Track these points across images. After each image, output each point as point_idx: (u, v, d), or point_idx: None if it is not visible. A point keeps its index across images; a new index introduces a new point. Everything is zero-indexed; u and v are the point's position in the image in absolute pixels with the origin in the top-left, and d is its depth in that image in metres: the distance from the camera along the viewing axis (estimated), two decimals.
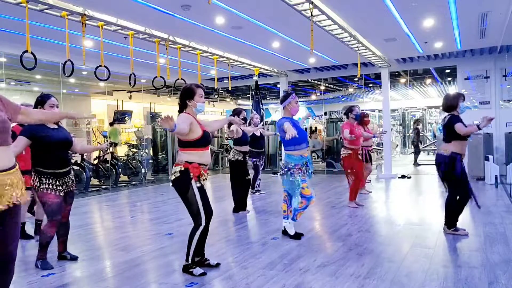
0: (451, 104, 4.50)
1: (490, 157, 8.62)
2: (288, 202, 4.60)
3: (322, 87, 15.96)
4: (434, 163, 4.64)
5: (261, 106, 11.84)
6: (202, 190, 3.40)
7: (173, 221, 5.67)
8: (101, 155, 10.68)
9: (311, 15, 5.87)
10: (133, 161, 10.84)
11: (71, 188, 3.82)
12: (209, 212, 3.49)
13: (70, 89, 12.98)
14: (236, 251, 4.19)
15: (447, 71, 13.00)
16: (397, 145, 17.39)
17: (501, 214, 5.61)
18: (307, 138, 4.65)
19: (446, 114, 4.56)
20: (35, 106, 3.70)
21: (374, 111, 18.36)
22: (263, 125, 8.85)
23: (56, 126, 3.76)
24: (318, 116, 20.20)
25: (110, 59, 8.28)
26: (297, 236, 4.56)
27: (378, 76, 12.12)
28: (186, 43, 7.81)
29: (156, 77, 7.16)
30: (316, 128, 15.42)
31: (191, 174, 3.31)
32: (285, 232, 4.66)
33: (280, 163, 12.85)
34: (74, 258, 3.99)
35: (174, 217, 5.95)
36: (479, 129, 4.26)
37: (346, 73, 11.92)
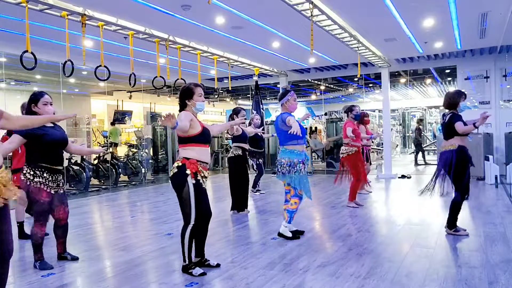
0: (453, 102, 4.48)
1: (490, 157, 8.62)
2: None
3: (322, 87, 15.97)
4: (437, 162, 4.61)
5: (261, 106, 11.84)
6: (200, 189, 3.36)
7: (173, 221, 5.67)
8: (101, 155, 10.68)
9: (311, 15, 5.87)
10: (133, 161, 10.84)
11: (62, 189, 3.79)
12: (207, 214, 3.48)
13: (70, 89, 12.98)
14: (236, 251, 4.18)
15: (447, 71, 13.01)
16: (397, 145, 17.39)
17: (501, 214, 5.61)
18: (305, 134, 4.64)
19: (447, 111, 4.55)
20: (29, 105, 3.65)
21: (374, 111, 18.37)
22: (263, 128, 8.85)
23: (52, 124, 3.73)
24: (318, 116, 20.20)
25: (110, 59, 8.27)
26: (295, 236, 4.55)
27: (378, 76, 12.13)
28: (186, 43, 7.81)
29: (156, 77, 7.16)
30: (316, 128, 15.41)
31: (188, 170, 3.30)
32: (281, 235, 4.59)
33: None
34: (74, 259, 3.98)
35: (174, 217, 5.95)
36: (476, 127, 4.24)
37: (346, 73, 11.92)
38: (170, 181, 3.43)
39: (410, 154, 17.48)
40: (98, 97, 14.84)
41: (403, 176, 10.23)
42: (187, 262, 3.45)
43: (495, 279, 3.22)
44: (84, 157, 9.53)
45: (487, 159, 8.70)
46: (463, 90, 4.76)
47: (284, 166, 4.43)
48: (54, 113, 3.76)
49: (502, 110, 10.15)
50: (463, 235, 4.47)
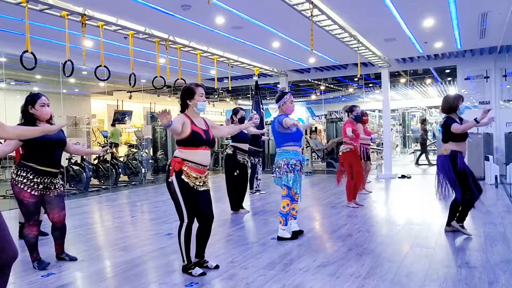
0: (452, 106, 4.46)
1: (490, 157, 8.62)
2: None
3: (322, 87, 15.97)
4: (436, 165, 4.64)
5: (261, 106, 11.84)
6: (188, 189, 3.34)
7: (173, 221, 5.66)
8: (101, 155, 10.68)
9: (311, 15, 5.87)
10: (133, 161, 10.84)
11: (55, 192, 3.75)
12: (208, 216, 3.48)
13: (70, 89, 12.98)
14: (236, 251, 4.18)
15: (447, 71, 13.00)
16: (397, 145, 17.39)
17: (501, 214, 5.61)
18: (301, 138, 4.63)
19: (444, 116, 4.56)
20: (25, 106, 3.62)
21: (374, 111, 18.37)
22: (264, 130, 8.87)
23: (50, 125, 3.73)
24: (318, 116, 20.21)
25: (110, 59, 8.27)
26: (294, 237, 4.54)
27: (378, 76, 12.12)
28: (186, 43, 7.81)
29: (156, 77, 7.16)
30: (316, 128, 15.41)
31: (171, 167, 3.36)
32: (280, 238, 4.55)
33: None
34: (73, 259, 3.97)
35: (174, 217, 5.90)
36: (477, 122, 4.23)
37: (346, 73, 11.92)
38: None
39: (410, 154, 17.48)
40: (98, 97, 14.84)
41: (403, 176, 10.23)
42: (185, 262, 3.45)
43: (495, 279, 3.22)
44: (84, 157, 9.53)
45: (487, 159, 8.70)
46: (462, 91, 4.76)
47: (281, 167, 4.44)
48: (51, 115, 3.76)
49: (502, 110, 10.15)
50: (467, 234, 4.45)
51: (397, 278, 3.28)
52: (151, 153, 12.75)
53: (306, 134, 13.47)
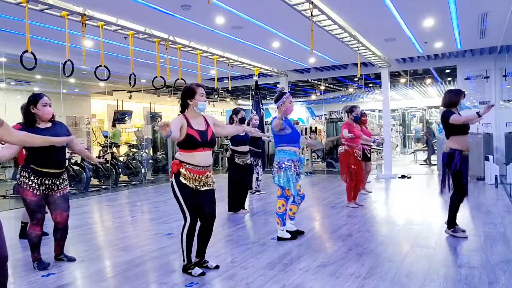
0: (454, 101, 4.43)
1: (490, 157, 8.62)
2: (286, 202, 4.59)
3: (322, 87, 15.96)
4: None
5: (261, 106, 11.83)
6: (188, 189, 3.36)
7: (173, 221, 5.67)
8: (101, 155, 10.68)
9: (311, 15, 5.87)
10: (133, 161, 10.84)
11: (60, 193, 3.76)
12: (208, 216, 3.48)
13: (70, 89, 12.98)
14: (236, 251, 4.18)
15: (447, 71, 13.00)
16: (397, 145, 17.39)
17: (501, 214, 5.61)
18: (300, 140, 4.62)
19: (441, 108, 4.55)
20: (27, 106, 3.65)
21: (374, 111, 18.37)
22: (263, 128, 8.86)
23: (48, 125, 3.71)
24: (318, 116, 20.20)
25: (110, 59, 8.28)
26: (294, 237, 4.54)
27: (378, 76, 12.12)
28: (186, 43, 7.81)
29: (156, 77, 7.16)
30: (316, 128, 15.41)
31: (170, 169, 3.45)
32: (280, 239, 4.56)
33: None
34: (71, 260, 3.97)
35: (174, 217, 5.95)
36: (479, 116, 4.16)
37: (346, 73, 11.91)
38: None
39: (410, 154, 17.48)
40: (98, 97, 14.84)
41: (403, 176, 10.23)
42: (186, 262, 3.45)
43: (495, 279, 3.22)
44: None
45: (487, 159, 8.70)
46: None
47: (276, 166, 4.48)
48: (53, 115, 3.78)
49: (502, 110, 10.15)
50: (461, 237, 4.44)
51: (397, 278, 3.28)
52: (151, 153, 12.75)
53: (305, 134, 13.49)
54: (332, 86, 15.93)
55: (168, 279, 3.40)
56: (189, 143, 3.36)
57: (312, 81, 14.27)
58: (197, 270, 3.43)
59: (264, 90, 15.56)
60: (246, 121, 7.41)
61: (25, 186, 3.60)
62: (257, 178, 8.02)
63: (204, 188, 3.44)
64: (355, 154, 6.38)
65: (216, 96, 15.36)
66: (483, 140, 9.26)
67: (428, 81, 15.08)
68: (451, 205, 4.49)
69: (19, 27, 6.29)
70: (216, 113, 20.85)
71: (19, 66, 5.22)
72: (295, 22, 6.50)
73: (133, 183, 10.46)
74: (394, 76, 13.47)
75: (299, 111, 21.18)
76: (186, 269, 3.47)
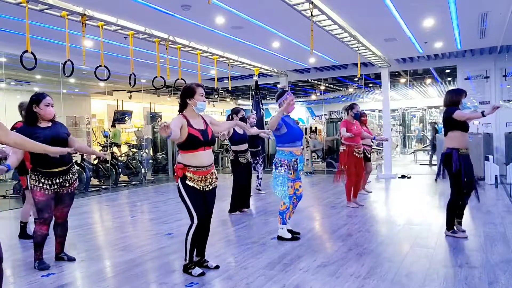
0: (455, 100, 4.40)
1: (490, 157, 8.62)
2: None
3: (322, 87, 15.96)
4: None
5: (261, 106, 11.84)
6: (192, 190, 3.37)
7: (173, 221, 5.67)
8: (101, 157, 10.67)
9: (311, 15, 5.87)
10: (133, 161, 10.84)
11: (67, 190, 3.79)
12: (205, 214, 3.49)
13: (70, 89, 12.98)
14: (236, 251, 4.18)
15: (447, 71, 13.00)
16: (397, 145, 17.40)
17: (501, 214, 5.61)
18: (302, 137, 4.60)
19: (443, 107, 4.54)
20: (30, 105, 3.66)
21: (374, 111, 18.37)
22: (262, 128, 8.82)
23: (49, 124, 3.71)
24: (318, 116, 20.21)
25: (110, 59, 8.28)
26: (294, 237, 4.53)
27: (378, 76, 12.12)
28: (186, 43, 7.81)
29: (156, 77, 7.16)
30: (316, 128, 15.42)
31: (175, 174, 3.42)
32: (280, 238, 4.58)
33: None
34: (71, 259, 3.98)
35: (174, 217, 5.95)
36: (483, 115, 4.14)
37: (346, 73, 11.92)
38: None
39: (410, 154, 17.48)
40: (98, 97, 14.84)
41: (403, 176, 10.23)
42: (187, 261, 3.46)
43: (495, 279, 3.22)
44: (84, 157, 9.53)
45: (487, 159, 8.70)
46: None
47: (273, 165, 4.52)
48: (54, 115, 3.79)
49: (502, 110, 10.13)
50: (461, 237, 4.43)
51: (397, 278, 3.28)
52: (151, 153, 12.75)
53: (306, 134, 13.48)
54: (332, 86, 15.93)
55: (168, 279, 3.40)
56: (191, 143, 3.35)
57: (312, 81, 14.27)
58: (197, 270, 3.44)
59: (264, 90, 15.56)
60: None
61: (35, 188, 3.63)
62: (257, 177, 8.02)
63: (210, 188, 3.47)
64: (354, 153, 6.35)
65: (216, 96, 15.36)
66: (483, 140, 9.25)
67: (428, 81, 15.08)
68: (447, 209, 4.48)
69: (19, 27, 6.29)
70: (216, 113, 20.86)
71: (19, 66, 5.22)
72: (295, 22, 6.50)
73: (133, 183, 10.46)
74: (394, 76, 13.47)
75: (299, 111, 21.18)
76: (186, 269, 3.47)
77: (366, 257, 3.86)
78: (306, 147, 12.96)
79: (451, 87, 15.79)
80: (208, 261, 3.65)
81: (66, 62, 5.65)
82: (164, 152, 12.94)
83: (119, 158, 10.87)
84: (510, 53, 9.73)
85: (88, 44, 7.40)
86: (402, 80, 14.46)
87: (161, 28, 7.03)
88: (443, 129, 4.54)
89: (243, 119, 6.33)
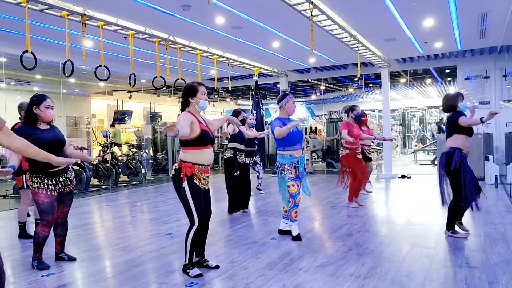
0: (451, 104, 4.48)
1: (490, 157, 8.62)
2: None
3: (322, 87, 15.97)
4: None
5: (261, 106, 11.84)
6: (197, 191, 3.35)
7: (173, 221, 5.67)
8: (101, 155, 10.68)
9: (311, 15, 5.87)
10: (133, 161, 10.84)
11: (68, 189, 3.81)
12: (206, 214, 3.49)
13: (70, 89, 12.99)
14: (236, 251, 4.18)
15: (447, 71, 13.01)
16: (397, 145, 17.41)
17: (501, 214, 5.61)
18: (302, 139, 4.62)
19: (448, 115, 4.56)
20: (30, 107, 3.64)
21: (374, 111, 18.38)
22: (262, 128, 8.82)
23: (47, 127, 3.72)
24: (318, 116, 20.22)
25: (110, 59, 8.28)
26: (298, 238, 4.53)
27: (378, 76, 12.12)
28: (186, 43, 7.81)
29: (156, 77, 7.16)
30: (316, 128, 15.42)
31: (182, 173, 3.32)
32: (281, 232, 4.65)
33: None
34: (72, 259, 3.98)
35: (174, 217, 5.95)
36: (482, 122, 4.20)
37: (346, 73, 11.92)
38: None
39: (410, 154, 17.48)
40: (98, 97, 14.84)
41: (403, 176, 10.23)
42: (187, 262, 3.46)
43: (495, 279, 3.22)
44: None
45: (487, 159, 8.70)
46: (462, 91, 4.75)
47: (275, 167, 4.59)
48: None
49: (502, 110, 10.14)
50: (461, 237, 4.43)
51: (397, 278, 3.28)
52: (151, 153, 12.75)
53: (305, 134, 13.48)
54: (332, 86, 15.93)
55: (168, 279, 3.40)
56: (203, 139, 3.35)
57: (312, 81, 14.27)
58: (194, 271, 3.42)
59: (264, 90, 15.56)
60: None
61: (39, 191, 3.60)
62: (258, 177, 8.02)
63: (207, 187, 3.47)
64: (356, 155, 6.37)
65: (216, 96, 15.36)
66: (483, 140, 9.26)
67: (428, 81, 15.09)
68: (448, 211, 4.47)
69: (19, 27, 6.29)
70: (216, 113, 20.87)
71: (19, 66, 5.22)
72: (295, 22, 6.50)
73: (133, 183, 10.46)
74: (394, 76, 13.47)
75: (299, 111, 21.18)
76: (185, 269, 3.47)
77: (366, 257, 3.86)
78: (306, 147, 12.96)
79: (451, 87, 15.81)
80: (208, 261, 3.65)
81: (66, 62, 5.65)
82: (164, 152, 12.94)
83: (119, 158, 10.87)
84: (510, 53, 9.73)
85: (88, 44, 7.40)
86: (402, 80, 14.46)
87: (161, 28, 7.03)
88: (445, 129, 4.56)
89: (243, 121, 6.32)
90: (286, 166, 4.45)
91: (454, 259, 3.81)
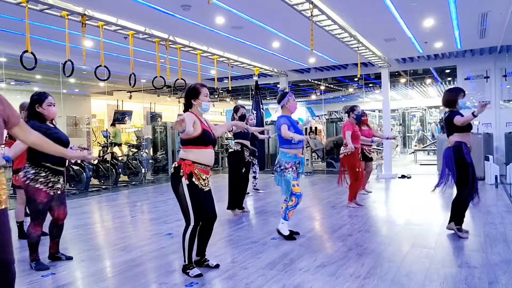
0: (451, 99, 4.47)
1: (490, 157, 8.62)
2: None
3: (322, 87, 15.97)
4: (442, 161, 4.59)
5: (261, 106, 11.84)
6: (197, 190, 3.35)
7: (173, 221, 5.67)
8: (101, 154, 10.68)
9: (311, 15, 5.87)
10: (133, 161, 10.84)
11: (64, 189, 3.82)
12: (210, 216, 3.49)
13: (70, 89, 12.99)
14: (236, 251, 4.18)
15: (447, 71, 13.01)
16: (397, 145, 17.41)
17: (501, 214, 5.61)
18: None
19: (446, 110, 4.56)
20: (31, 105, 3.62)
21: (374, 111, 18.38)
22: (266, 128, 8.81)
23: (52, 125, 3.75)
24: (318, 116, 20.21)
25: (110, 59, 8.28)
26: (291, 237, 4.53)
27: (378, 76, 12.12)
28: (186, 43, 7.82)
29: (156, 77, 7.16)
30: (316, 128, 15.42)
31: (181, 171, 3.31)
32: (280, 232, 4.65)
33: None
34: (69, 258, 3.97)
35: (174, 217, 5.95)
36: (474, 116, 4.22)
37: (346, 73, 11.92)
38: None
39: (410, 154, 17.48)
40: (98, 97, 14.85)
41: (403, 176, 10.23)
42: (186, 262, 3.45)
43: (495, 279, 3.22)
44: None
45: (487, 159, 8.70)
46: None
47: (276, 165, 4.54)
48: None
49: (502, 110, 10.15)
50: (463, 237, 4.42)
51: (397, 278, 3.28)
52: (151, 153, 12.75)
53: (306, 134, 13.47)
54: (332, 86, 15.93)
55: (168, 279, 3.40)
56: (204, 139, 3.35)
57: (312, 81, 14.27)
58: (194, 271, 3.42)
59: (264, 90, 15.57)
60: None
61: (38, 186, 3.54)
62: (254, 177, 8.03)
63: (207, 188, 3.46)
64: (358, 156, 6.39)
65: (216, 96, 15.36)
66: (483, 140, 9.25)
67: (428, 81, 15.09)
68: (454, 205, 4.45)
69: (19, 27, 6.29)
70: (216, 113, 20.87)
71: (19, 66, 5.22)
72: (295, 22, 6.50)
73: (133, 183, 10.45)
74: (394, 76, 13.48)
75: (299, 111, 21.16)
76: (185, 269, 3.47)
77: (366, 257, 3.86)
78: (306, 147, 12.96)
79: (451, 87, 15.80)
80: (208, 260, 3.65)
81: (66, 62, 5.66)
82: (164, 152, 12.95)
83: (119, 158, 10.87)
84: (510, 53, 9.73)
85: (88, 44, 7.40)
86: (402, 80, 14.46)
87: (161, 28, 7.03)
88: (444, 128, 4.57)
89: (243, 117, 6.29)
90: (290, 165, 4.43)
91: (454, 259, 3.81)
